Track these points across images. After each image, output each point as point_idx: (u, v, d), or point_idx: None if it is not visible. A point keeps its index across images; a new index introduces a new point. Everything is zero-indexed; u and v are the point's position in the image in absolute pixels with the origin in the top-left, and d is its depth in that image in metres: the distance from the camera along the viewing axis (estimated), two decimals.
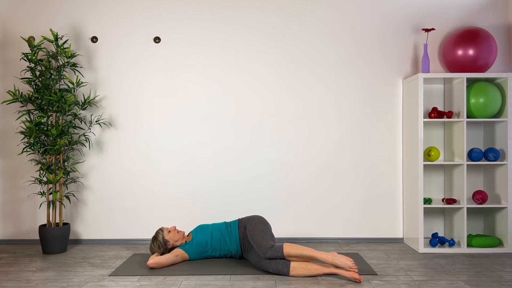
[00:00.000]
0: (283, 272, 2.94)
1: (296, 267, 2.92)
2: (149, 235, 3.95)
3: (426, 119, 3.58)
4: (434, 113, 3.65)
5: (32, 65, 3.89)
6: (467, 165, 3.87)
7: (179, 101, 3.94)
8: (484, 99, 3.55)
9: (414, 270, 3.09)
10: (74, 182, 3.85)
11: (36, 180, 3.83)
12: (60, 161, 3.69)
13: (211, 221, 3.94)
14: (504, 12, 3.91)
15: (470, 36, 3.63)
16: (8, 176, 3.96)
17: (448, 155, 3.83)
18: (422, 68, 3.71)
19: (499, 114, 3.69)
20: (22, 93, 3.67)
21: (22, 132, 3.57)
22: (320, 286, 2.76)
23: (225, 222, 3.45)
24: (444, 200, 3.65)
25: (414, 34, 3.93)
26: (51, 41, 3.66)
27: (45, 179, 3.94)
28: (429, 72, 3.71)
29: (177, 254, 3.23)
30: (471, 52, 3.62)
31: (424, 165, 3.88)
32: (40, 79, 3.63)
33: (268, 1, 3.93)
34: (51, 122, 3.69)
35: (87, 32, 3.95)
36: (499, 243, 3.65)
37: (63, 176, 3.70)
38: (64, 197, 3.78)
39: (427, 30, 3.71)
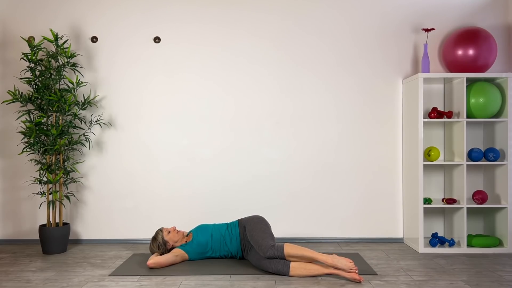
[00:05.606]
0: (283, 272, 2.94)
1: (296, 267, 2.92)
2: (149, 235, 3.95)
3: (426, 119, 3.58)
4: (434, 113, 3.65)
5: (32, 65, 3.89)
6: (467, 165, 3.87)
7: (179, 101, 3.95)
8: (484, 99, 3.55)
9: (414, 270, 3.09)
10: (74, 182, 3.85)
11: (36, 180, 3.83)
12: (60, 161, 3.69)
13: (211, 221, 3.94)
14: (504, 12, 3.91)
15: (470, 36, 3.63)
16: (8, 176, 3.96)
17: (448, 155, 3.83)
18: (422, 68, 3.71)
19: (499, 114, 3.69)
20: (22, 93, 3.67)
21: (22, 132, 3.57)
22: (320, 286, 2.76)
23: (225, 223, 3.45)
24: (444, 200, 3.65)
25: (414, 34, 3.93)
26: (51, 41, 3.66)
27: (45, 179, 3.94)
28: (429, 72, 3.71)
29: (177, 254, 3.23)
30: (471, 52, 3.62)
31: (424, 165, 3.88)
32: (40, 79, 3.63)
33: (268, 1, 3.93)
34: (51, 122, 3.69)
35: (87, 32, 3.95)
36: (499, 243, 3.65)
37: (63, 176, 3.70)
38: (64, 197, 3.78)
39: (427, 30, 3.71)
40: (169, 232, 3.32)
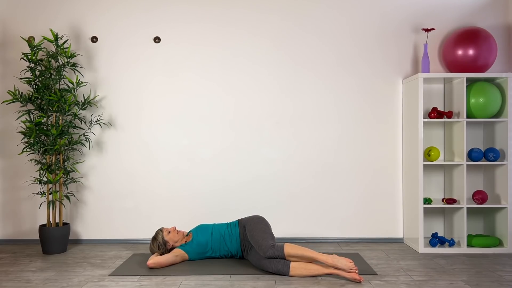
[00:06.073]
0: (283, 272, 2.94)
1: (296, 267, 2.92)
2: (149, 235, 3.95)
3: (426, 119, 3.58)
4: (434, 113, 3.65)
5: (32, 65, 3.89)
6: (467, 165, 3.87)
7: (179, 101, 3.95)
8: (484, 99, 3.55)
9: (414, 270, 3.09)
10: (74, 182, 3.85)
11: (36, 180, 3.83)
12: (60, 161, 3.69)
13: (211, 221, 3.94)
14: (504, 12, 3.91)
15: (470, 36, 3.63)
16: (8, 176, 3.96)
17: (448, 155, 3.83)
18: (422, 68, 3.71)
19: (499, 114, 3.69)
20: (22, 93, 3.67)
21: (22, 132, 3.57)
22: (320, 286, 2.76)
23: (225, 223, 3.45)
24: (444, 200, 3.65)
25: (414, 34, 3.93)
26: (51, 41, 3.66)
27: (45, 179, 3.94)
28: (429, 72, 3.71)
29: (177, 254, 3.23)
30: (471, 52, 3.62)
31: (424, 165, 3.88)
32: (40, 79, 3.63)
33: (268, 1, 3.93)
34: (51, 122, 3.69)
35: (87, 32, 3.95)
36: (499, 243, 3.65)
37: (63, 176, 3.70)
38: (64, 197, 3.78)
39: (427, 30, 3.71)
40: (169, 232, 3.32)
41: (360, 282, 2.82)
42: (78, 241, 3.97)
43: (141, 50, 3.95)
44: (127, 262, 3.31)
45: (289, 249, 2.94)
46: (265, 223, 3.26)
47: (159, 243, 3.27)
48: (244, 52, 3.94)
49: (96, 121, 3.86)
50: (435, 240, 3.58)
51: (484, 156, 3.63)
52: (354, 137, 3.93)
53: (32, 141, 3.56)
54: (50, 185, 3.79)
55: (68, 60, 3.71)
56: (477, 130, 3.90)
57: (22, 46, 3.95)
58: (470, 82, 3.78)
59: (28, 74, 3.95)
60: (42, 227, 3.60)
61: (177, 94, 3.94)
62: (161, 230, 3.33)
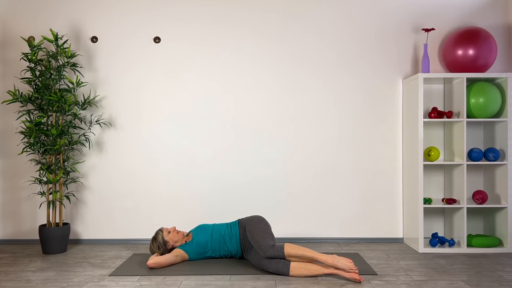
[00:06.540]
0: (283, 272, 2.94)
1: (296, 267, 2.92)
2: (149, 235, 3.95)
3: (426, 119, 3.58)
4: (434, 113, 3.65)
5: (32, 65, 3.89)
6: (467, 165, 3.87)
7: (179, 101, 3.95)
8: (484, 99, 3.56)
9: (414, 270, 3.09)
10: (74, 182, 3.85)
11: (36, 180, 3.83)
12: (60, 161, 3.69)
13: (211, 221, 3.95)
14: (504, 12, 3.91)
15: (470, 36, 3.63)
16: (8, 176, 3.96)
17: (448, 155, 3.83)
18: (422, 68, 3.71)
19: (499, 114, 3.69)
20: (22, 93, 3.67)
21: (22, 132, 3.57)
22: (320, 286, 2.76)
23: (225, 223, 3.45)
24: (444, 200, 3.65)
25: (414, 34, 3.93)
26: (51, 41, 3.66)
27: (45, 179, 3.94)
28: (429, 72, 3.71)
29: (177, 254, 3.23)
30: (471, 52, 3.62)
31: (424, 165, 3.88)
32: (40, 79, 3.63)
33: (268, 1, 3.93)
34: (51, 122, 3.69)
35: (87, 32, 3.96)
36: (499, 243, 3.65)
37: (63, 176, 3.70)
38: (64, 197, 3.78)
39: (427, 30, 3.71)
40: (169, 232, 3.32)
41: (360, 282, 2.82)
42: (78, 241, 3.97)
43: (141, 50, 3.95)
44: (127, 262, 3.31)
45: (289, 249, 2.94)
46: (265, 223, 3.26)
47: (159, 243, 3.27)
48: (244, 52, 3.94)
49: (96, 121, 3.86)
50: (435, 240, 3.58)
51: (484, 156, 3.63)
52: (354, 137, 3.93)
53: (32, 141, 3.56)
54: (50, 185, 3.80)
55: (68, 60, 3.71)
56: (477, 130, 3.90)
57: (22, 46, 3.95)
58: (470, 82, 3.78)
59: (28, 74, 3.95)
60: (42, 227, 3.60)
61: (177, 94, 3.94)
62: (161, 230, 3.33)
